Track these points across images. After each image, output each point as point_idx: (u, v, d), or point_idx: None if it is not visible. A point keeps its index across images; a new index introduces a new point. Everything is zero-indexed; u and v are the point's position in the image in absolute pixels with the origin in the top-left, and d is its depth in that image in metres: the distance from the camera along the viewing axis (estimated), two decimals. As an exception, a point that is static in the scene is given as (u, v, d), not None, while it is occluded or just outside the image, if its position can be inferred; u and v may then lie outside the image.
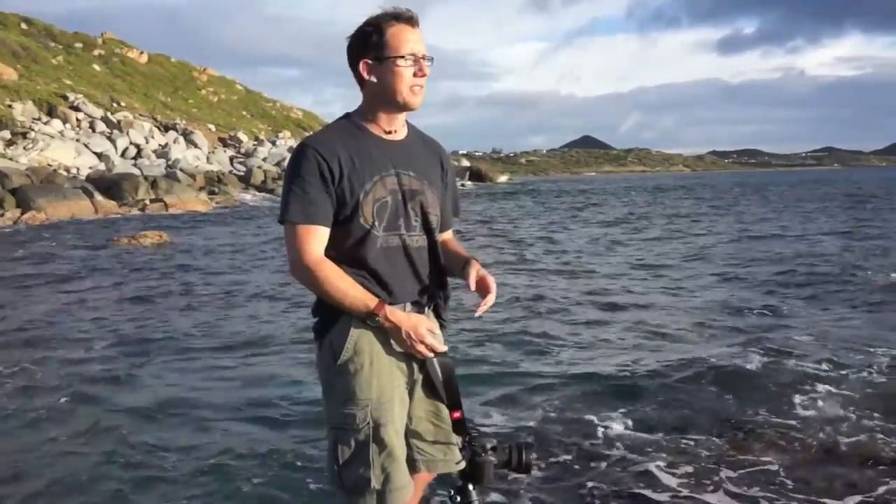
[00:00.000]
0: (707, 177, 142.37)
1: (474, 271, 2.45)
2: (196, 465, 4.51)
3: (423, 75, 2.35)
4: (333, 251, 2.34)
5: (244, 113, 77.84)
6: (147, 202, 34.15)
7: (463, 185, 66.21)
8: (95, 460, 4.60)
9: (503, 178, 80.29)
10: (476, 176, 72.98)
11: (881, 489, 4.01)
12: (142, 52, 76.07)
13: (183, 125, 55.22)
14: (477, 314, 2.45)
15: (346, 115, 2.46)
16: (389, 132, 2.42)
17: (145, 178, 37.86)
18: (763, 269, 12.55)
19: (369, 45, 2.34)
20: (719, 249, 15.89)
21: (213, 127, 62.21)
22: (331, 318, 2.36)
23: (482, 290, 2.43)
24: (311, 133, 2.49)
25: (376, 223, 2.33)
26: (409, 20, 2.34)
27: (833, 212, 27.60)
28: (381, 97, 2.38)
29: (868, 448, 4.54)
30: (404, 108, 2.39)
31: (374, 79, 2.36)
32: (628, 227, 23.18)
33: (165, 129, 52.70)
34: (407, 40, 2.32)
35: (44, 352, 7.37)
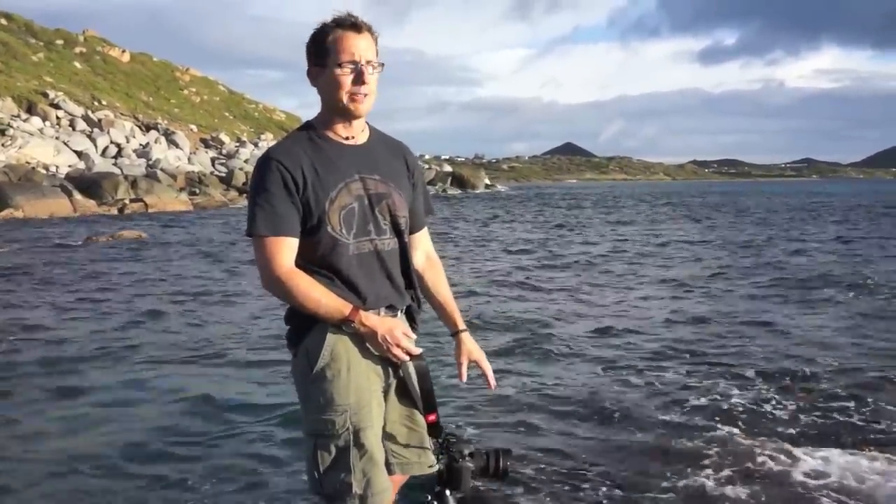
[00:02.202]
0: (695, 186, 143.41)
1: (465, 359, 2.57)
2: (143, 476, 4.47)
3: (363, 83, 2.33)
4: (305, 260, 2.33)
5: (226, 114, 77.40)
6: (127, 202, 33.90)
7: (444, 190, 66.03)
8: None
9: (485, 185, 79.24)
10: (458, 181, 72.77)
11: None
12: (124, 51, 75.47)
13: (164, 125, 54.86)
14: (493, 388, 2.59)
15: (307, 124, 2.47)
16: (348, 138, 2.41)
17: (125, 177, 37.55)
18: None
19: (314, 53, 2.35)
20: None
21: (194, 127, 61.83)
22: (305, 325, 2.36)
23: (477, 367, 2.59)
24: (273, 144, 2.48)
25: (344, 230, 2.33)
26: (353, 26, 2.32)
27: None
28: (328, 104, 2.39)
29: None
30: (347, 115, 2.38)
31: (318, 86, 2.39)
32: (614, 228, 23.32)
33: (147, 128, 52.31)
34: (346, 47, 2.30)
35: None
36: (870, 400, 5.67)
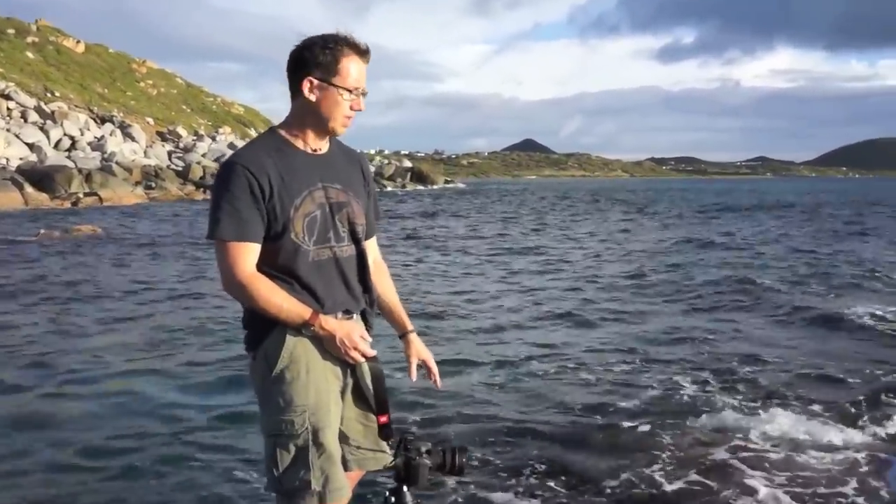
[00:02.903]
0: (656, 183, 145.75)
1: (414, 359, 2.63)
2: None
3: (359, 109, 2.42)
4: (265, 265, 2.37)
5: (184, 107, 76.43)
6: (81, 196, 33.33)
7: (404, 185, 65.99)
8: None
9: (444, 181, 79.33)
10: (418, 177, 72.77)
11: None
12: (78, 42, 74.01)
13: (120, 118, 54.00)
14: (440, 386, 2.71)
15: (272, 129, 2.50)
16: (315, 150, 2.47)
17: (79, 170, 36.89)
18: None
19: (319, 64, 2.35)
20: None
21: (151, 120, 60.95)
22: (264, 329, 2.40)
23: (424, 366, 2.65)
24: (238, 149, 2.49)
25: (306, 237, 2.38)
26: (365, 53, 2.38)
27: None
28: (314, 117, 2.41)
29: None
30: (331, 133, 2.46)
31: (313, 98, 2.38)
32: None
33: (102, 121, 51.44)
34: (357, 73, 2.37)
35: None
36: (801, 391, 5.96)
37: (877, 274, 12.67)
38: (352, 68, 2.35)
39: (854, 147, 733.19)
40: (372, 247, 2.67)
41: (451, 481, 4.07)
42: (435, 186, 70.96)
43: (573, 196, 58.36)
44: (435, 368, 2.66)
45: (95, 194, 33.71)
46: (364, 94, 2.42)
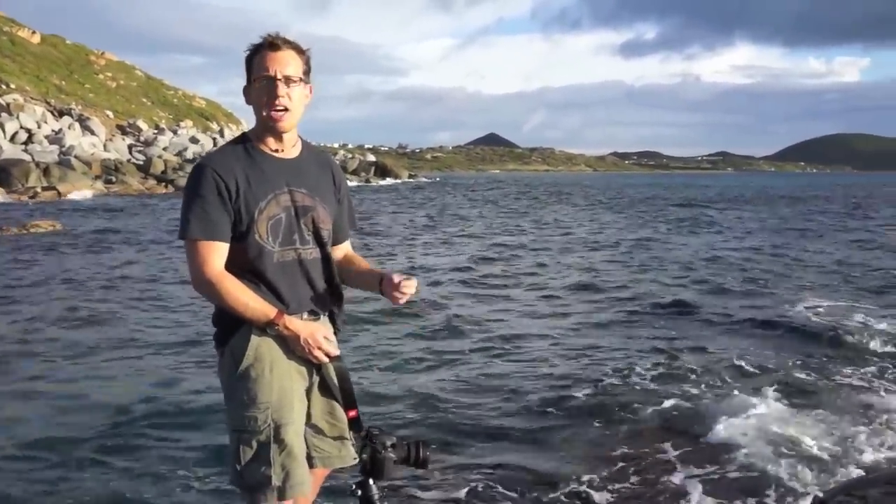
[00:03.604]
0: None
1: (396, 278, 2.53)
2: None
3: (276, 96, 2.43)
4: (232, 265, 2.44)
5: (144, 100, 75.19)
6: (39, 190, 32.75)
7: (368, 180, 65.67)
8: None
9: (408, 175, 78.85)
10: (382, 171, 72.51)
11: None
12: (34, 32, 72.36)
13: (78, 111, 53.02)
14: (416, 290, 2.56)
15: (243, 136, 2.58)
16: (277, 150, 2.53)
17: (37, 164, 36.26)
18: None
19: (246, 73, 2.50)
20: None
21: (110, 113, 59.92)
22: (232, 327, 2.47)
23: (403, 286, 2.54)
24: (209, 152, 2.63)
25: (270, 239, 2.46)
26: (272, 45, 2.45)
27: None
28: (257, 119, 2.52)
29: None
30: (273, 129, 2.50)
31: (249, 103, 2.52)
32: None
33: (59, 114, 50.47)
34: (263, 64, 2.44)
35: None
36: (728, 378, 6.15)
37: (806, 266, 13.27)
38: (260, 61, 2.45)
39: (812, 142, 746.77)
40: (344, 249, 2.75)
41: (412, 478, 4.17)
42: (398, 180, 70.67)
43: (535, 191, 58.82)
44: (413, 282, 2.56)
45: (54, 188, 33.13)
46: (294, 81, 2.45)
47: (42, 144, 42.28)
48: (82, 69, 72.34)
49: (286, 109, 2.45)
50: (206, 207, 2.38)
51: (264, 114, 2.46)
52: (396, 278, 2.55)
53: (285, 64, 2.44)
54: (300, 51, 2.50)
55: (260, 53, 2.46)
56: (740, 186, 73.95)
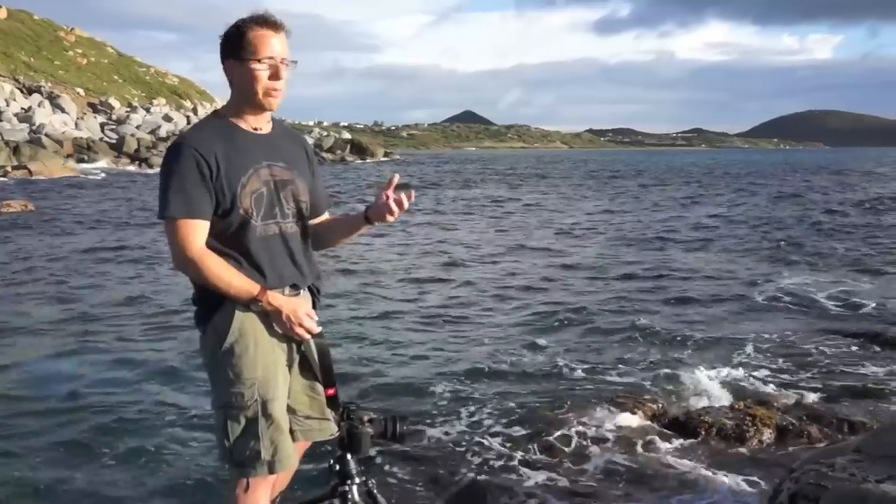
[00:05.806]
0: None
1: (388, 191, 2.52)
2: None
3: (279, 79, 2.45)
4: (214, 241, 2.47)
5: (116, 77, 74.02)
6: (9, 169, 32.25)
7: (344, 159, 65.05)
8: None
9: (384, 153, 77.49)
10: (357, 149, 71.76)
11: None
12: (0, 7, 70.92)
13: (49, 88, 52.17)
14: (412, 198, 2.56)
15: (216, 113, 2.59)
16: (256, 128, 2.56)
17: (7, 143, 35.71)
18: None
19: (233, 47, 2.45)
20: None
21: (81, 91, 58.99)
22: (214, 305, 2.49)
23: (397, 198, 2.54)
24: (184, 131, 2.59)
25: (254, 213, 2.48)
26: (273, 25, 2.45)
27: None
28: (243, 97, 2.51)
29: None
30: (261, 108, 2.52)
31: (235, 79, 2.49)
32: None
33: (29, 91, 49.66)
34: (266, 44, 2.42)
35: None
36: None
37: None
38: (260, 41, 2.42)
39: (785, 119, 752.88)
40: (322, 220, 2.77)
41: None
42: (372, 160, 69.75)
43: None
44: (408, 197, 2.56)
45: (25, 167, 32.63)
46: (287, 64, 2.47)
47: (11, 122, 41.60)
48: (51, 45, 71.01)
49: (280, 90, 2.48)
50: (186, 186, 2.38)
51: (260, 94, 2.46)
52: (385, 195, 2.53)
53: (284, 46, 2.47)
54: (288, 31, 2.52)
55: (261, 32, 2.43)
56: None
